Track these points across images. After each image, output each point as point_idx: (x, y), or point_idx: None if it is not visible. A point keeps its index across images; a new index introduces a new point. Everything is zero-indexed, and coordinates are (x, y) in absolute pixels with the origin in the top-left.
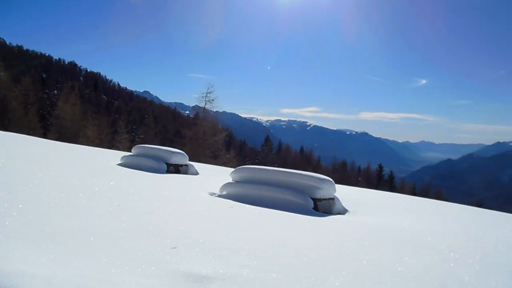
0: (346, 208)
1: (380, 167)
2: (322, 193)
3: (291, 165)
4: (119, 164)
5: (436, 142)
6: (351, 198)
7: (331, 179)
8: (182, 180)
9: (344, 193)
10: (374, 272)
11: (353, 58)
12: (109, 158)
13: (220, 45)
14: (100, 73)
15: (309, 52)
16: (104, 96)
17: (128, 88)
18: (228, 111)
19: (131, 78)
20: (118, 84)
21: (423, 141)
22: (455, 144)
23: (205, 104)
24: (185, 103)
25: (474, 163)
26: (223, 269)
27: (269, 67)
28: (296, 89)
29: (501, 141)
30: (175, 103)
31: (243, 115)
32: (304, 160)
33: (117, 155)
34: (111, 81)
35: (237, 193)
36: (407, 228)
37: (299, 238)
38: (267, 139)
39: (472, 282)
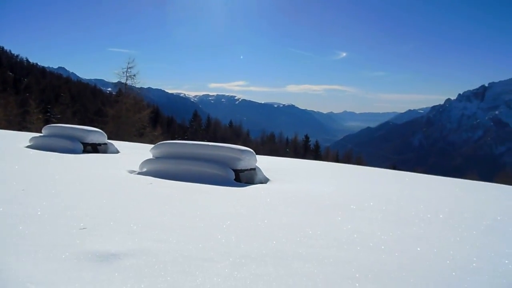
0: (268, 177)
1: (306, 137)
2: (244, 164)
3: (221, 140)
4: (28, 146)
5: (357, 112)
6: (274, 167)
7: (252, 150)
8: (99, 159)
9: (268, 163)
10: (285, 234)
11: (278, 32)
12: (17, 140)
13: (143, 16)
14: (3, 47)
15: (235, 26)
16: (10, 73)
17: (39, 64)
18: (154, 87)
19: (42, 53)
20: (27, 60)
21: (345, 111)
22: (373, 113)
23: (127, 80)
24: (106, 80)
25: (390, 130)
26: (135, 245)
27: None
28: (224, 64)
29: (412, 108)
30: (95, 79)
31: (170, 91)
32: (234, 134)
33: (26, 137)
34: (17, 56)
35: (157, 169)
36: (322, 192)
37: (217, 209)
38: (196, 115)
39: (375, 233)
